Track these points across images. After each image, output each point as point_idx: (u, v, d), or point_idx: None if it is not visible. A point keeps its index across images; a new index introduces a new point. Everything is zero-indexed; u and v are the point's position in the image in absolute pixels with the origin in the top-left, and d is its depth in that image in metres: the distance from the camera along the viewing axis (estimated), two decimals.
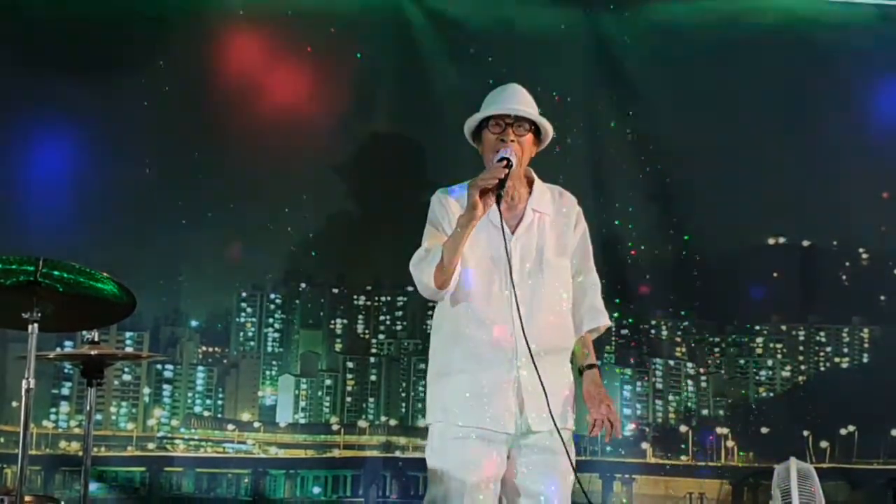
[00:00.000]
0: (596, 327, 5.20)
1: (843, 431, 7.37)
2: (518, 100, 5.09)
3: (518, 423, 4.93)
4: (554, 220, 5.13)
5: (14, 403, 6.85)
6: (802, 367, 7.61)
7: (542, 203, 5.12)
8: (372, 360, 7.64)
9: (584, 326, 5.17)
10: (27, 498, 4.97)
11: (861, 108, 7.52)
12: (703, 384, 7.61)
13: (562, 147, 7.46)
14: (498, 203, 4.79)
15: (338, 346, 7.66)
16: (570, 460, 4.89)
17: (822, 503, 6.48)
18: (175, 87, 7.50)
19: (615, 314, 7.64)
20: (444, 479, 4.93)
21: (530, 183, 5.15)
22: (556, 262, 5.07)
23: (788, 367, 7.60)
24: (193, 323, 7.60)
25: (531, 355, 4.86)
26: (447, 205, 5.11)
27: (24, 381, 4.67)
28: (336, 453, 7.49)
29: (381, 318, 7.65)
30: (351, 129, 7.51)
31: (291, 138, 7.53)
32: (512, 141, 4.98)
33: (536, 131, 5.08)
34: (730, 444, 7.47)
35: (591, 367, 5.10)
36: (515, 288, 4.90)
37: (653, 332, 7.67)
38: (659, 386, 7.60)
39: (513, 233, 5.04)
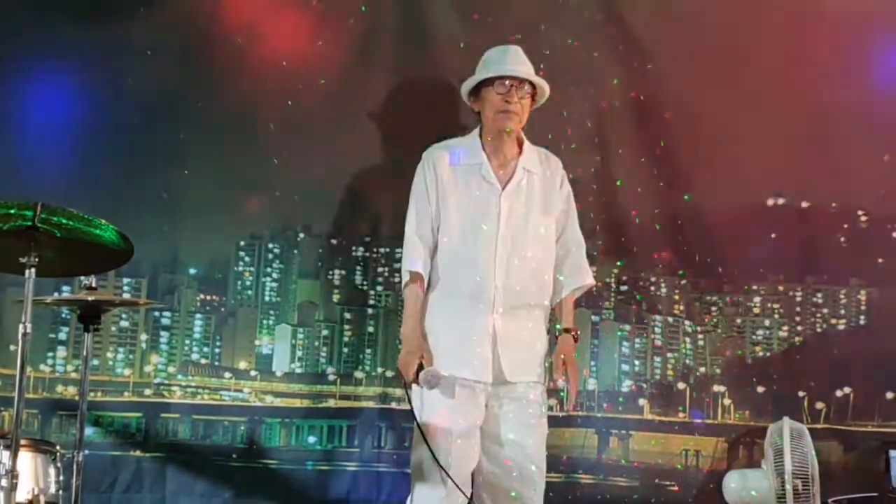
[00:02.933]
0: (580, 286, 5.34)
1: (838, 393, 7.39)
2: (521, 61, 5.29)
3: (494, 371, 5.08)
4: (542, 180, 5.31)
5: (12, 347, 6.86)
6: (799, 328, 7.62)
7: (532, 163, 5.36)
8: (369, 311, 7.65)
9: (567, 286, 5.36)
10: (23, 441, 4.99)
11: (864, 69, 7.48)
12: (701, 342, 7.63)
13: (564, 104, 7.47)
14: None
15: (335, 297, 7.67)
16: (542, 410, 5.22)
17: (815, 463, 6.50)
18: (177, 34, 7.49)
19: (614, 271, 7.66)
20: (431, 429, 5.07)
21: (520, 143, 5.36)
22: (541, 221, 5.29)
23: (785, 328, 7.61)
24: (192, 271, 7.61)
25: (509, 307, 5.13)
26: (438, 170, 5.32)
27: (20, 326, 4.68)
28: (332, 403, 7.52)
29: (380, 269, 7.66)
30: (352, 80, 7.49)
31: (293, 88, 7.53)
32: (517, 103, 5.21)
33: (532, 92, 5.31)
34: (726, 402, 7.49)
35: (567, 331, 5.31)
36: (499, 243, 5.08)
37: (652, 289, 7.67)
38: (658, 343, 7.62)
39: (503, 188, 5.21)
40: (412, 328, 5.18)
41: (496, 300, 5.15)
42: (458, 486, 5.04)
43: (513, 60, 5.26)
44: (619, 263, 7.65)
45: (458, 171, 5.28)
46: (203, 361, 7.55)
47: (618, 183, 7.60)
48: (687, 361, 7.60)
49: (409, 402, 5.14)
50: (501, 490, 5.17)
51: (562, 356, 5.22)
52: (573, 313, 5.37)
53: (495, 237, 5.17)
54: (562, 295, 5.34)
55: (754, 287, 7.65)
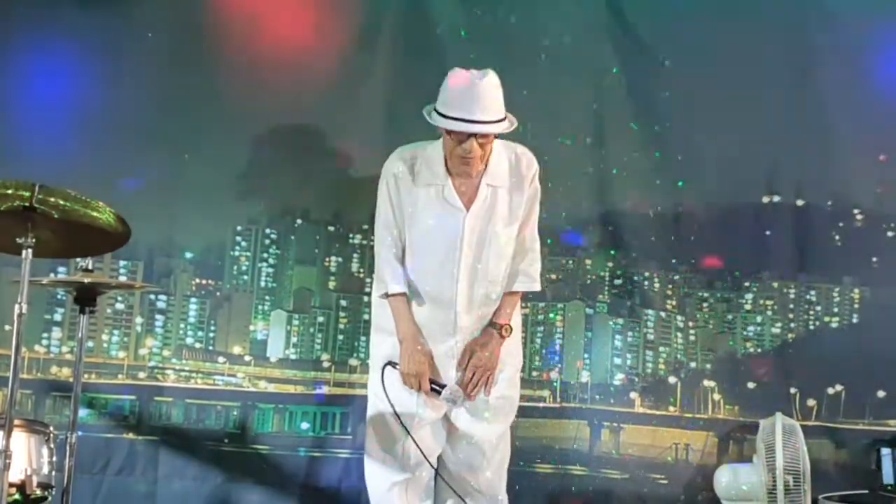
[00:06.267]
0: (525, 289, 5.32)
1: (830, 390, 7.40)
2: (485, 107, 4.97)
3: (457, 382, 5.16)
4: (508, 191, 5.17)
5: (7, 327, 6.87)
6: (792, 325, 7.64)
7: (498, 175, 5.15)
8: (365, 299, 7.62)
9: (513, 287, 5.27)
10: (17, 421, 5.00)
11: (863, 67, 7.49)
12: (693, 337, 7.64)
13: (560, 94, 7.48)
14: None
15: (331, 284, 7.67)
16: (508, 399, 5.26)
17: (806, 460, 6.52)
18: (179, 17, 7.48)
19: (608, 264, 7.67)
20: (388, 414, 5.15)
21: None
22: (502, 233, 5.17)
23: (778, 325, 7.62)
24: (188, 255, 7.61)
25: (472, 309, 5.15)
26: (401, 188, 5.19)
27: (16, 306, 4.69)
28: (326, 390, 7.52)
29: None
30: (352, 66, 7.50)
31: (293, 73, 7.53)
32: (477, 149, 4.99)
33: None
34: (716, 396, 7.51)
35: (493, 325, 5.23)
36: (462, 263, 5.07)
37: (646, 283, 7.68)
38: (650, 337, 7.63)
39: (467, 209, 5.13)
40: (407, 328, 5.15)
41: (457, 325, 5.15)
42: (423, 453, 5.13)
43: (478, 108, 4.93)
44: (613, 255, 7.65)
45: (420, 188, 5.15)
46: (197, 346, 7.55)
47: (614, 171, 7.61)
48: (678, 356, 7.61)
49: (383, 384, 5.14)
50: (455, 479, 5.28)
51: (469, 350, 5.18)
52: (511, 309, 5.26)
53: (458, 260, 5.11)
54: (507, 288, 5.26)
55: (747, 284, 7.67)
